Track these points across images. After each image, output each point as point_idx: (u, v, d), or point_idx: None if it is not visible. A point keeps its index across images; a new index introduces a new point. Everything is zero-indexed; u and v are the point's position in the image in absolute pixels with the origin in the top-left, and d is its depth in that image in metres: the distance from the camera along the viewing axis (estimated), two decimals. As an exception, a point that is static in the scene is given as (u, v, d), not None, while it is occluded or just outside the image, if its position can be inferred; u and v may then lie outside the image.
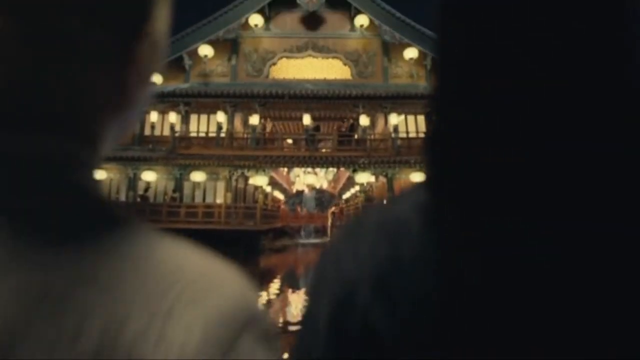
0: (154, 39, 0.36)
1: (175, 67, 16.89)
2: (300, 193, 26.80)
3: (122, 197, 16.40)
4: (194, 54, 16.82)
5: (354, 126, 17.03)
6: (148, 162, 15.90)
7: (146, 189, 16.34)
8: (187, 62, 16.90)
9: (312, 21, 17.33)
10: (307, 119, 15.65)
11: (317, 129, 16.60)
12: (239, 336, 0.29)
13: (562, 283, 0.29)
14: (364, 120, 15.74)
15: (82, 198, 0.33)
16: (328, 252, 0.38)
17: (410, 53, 16.34)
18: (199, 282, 0.30)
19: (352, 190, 19.47)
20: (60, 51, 0.32)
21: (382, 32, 16.73)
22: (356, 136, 16.48)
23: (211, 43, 16.59)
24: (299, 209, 27.13)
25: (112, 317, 0.28)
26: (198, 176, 15.74)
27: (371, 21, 16.80)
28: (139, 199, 16.16)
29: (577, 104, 0.29)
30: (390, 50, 17.01)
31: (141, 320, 0.28)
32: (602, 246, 0.29)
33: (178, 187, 16.41)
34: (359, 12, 16.80)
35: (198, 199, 16.40)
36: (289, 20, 17.42)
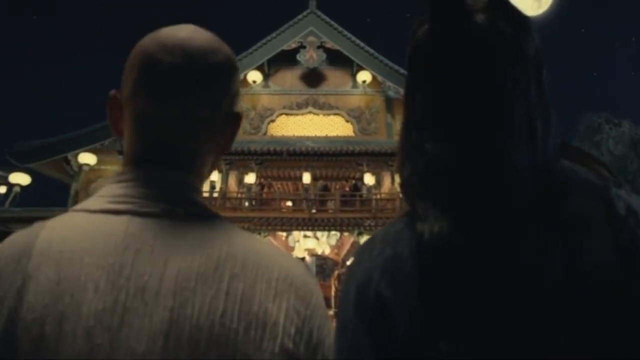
0: (239, 116, 0.65)
1: (168, 124, 16.06)
2: (300, 260, 24.52)
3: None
4: (188, 111, 16.05)
5: (358, 186, 15.73)
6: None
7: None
8: (181, 119, 16.10)
9: (312, 78, 16.75)
10: (307, 178, 14.45)
11: (325, 188, 15.20)
12: (313, 292, 0.55)
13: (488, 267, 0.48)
14: (368, 179, 14.55)
15: (205, 210, 0.58)
16: (354, 256, 0.61)
17: (416, 109, 15.58)
18: (285, 266, 0.54)
19: (356, 256, 17.71)
20: (190, 125, 0.58)
21: (386, 88, 16.07)
22: (361, 196, 15.10)
23: (207, 100, 15.89)
24: (298, 277, 24.52)
25: (246, 283, 0.50)
26: (187, 240, 14.27)
27: (374, 77, 16.21)
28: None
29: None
30: (394, 106, 16.26)
31: (262, 285, 0.51)
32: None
33: (165, 253, 14.85)
34: (361, 68, 16.26)
35: (186, 266, 14.77)
36: (289, 77, 16.85)
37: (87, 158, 15.12)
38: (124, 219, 0.51)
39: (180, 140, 0.58)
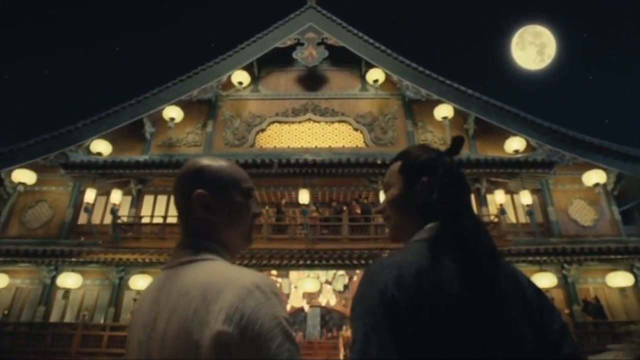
0: (209, 201, 1.01)
1: (133, 134, 12.87)
2: (299, 311, 17.15)
3: (31, 316, 10.88)
4: (158, 119, 12.93)
5: (371, 208, 12.02)
6: (75, 260, 10.84)
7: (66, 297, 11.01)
8: (149, 128, 12.95)
9: (312, 80, 13.82)
10: (304, 197, 10.94)
11: (338, 212, 11.58)
12: (250, 292, 0.84)
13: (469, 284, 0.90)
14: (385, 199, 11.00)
15: (207, 257, 0.95)
16: (370, 274, 0.93)
17: (444, 111, 12.34)
18: (237, 283, 0.85)
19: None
20: (189, 223, 1.02)
21: (403, 89, 13.02)
22: (375, 221, 11.39)
23: (181, 105, 12.84)
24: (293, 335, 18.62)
25: (201, 300, 0.84)
26: (144, 281, 10.56)
27: (387, 76, 13.23)
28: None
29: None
30: (415, 110, 13.15)
31: (212, 296, 0.84)
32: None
33: (114, 299, 11.06)
34: (371, 66, 13.33)
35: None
36: (283, 80, 13.92)
37: (23, 176, 11.81)
38: (163, 271, 0.98)
39: (189, 227, 1.01)
